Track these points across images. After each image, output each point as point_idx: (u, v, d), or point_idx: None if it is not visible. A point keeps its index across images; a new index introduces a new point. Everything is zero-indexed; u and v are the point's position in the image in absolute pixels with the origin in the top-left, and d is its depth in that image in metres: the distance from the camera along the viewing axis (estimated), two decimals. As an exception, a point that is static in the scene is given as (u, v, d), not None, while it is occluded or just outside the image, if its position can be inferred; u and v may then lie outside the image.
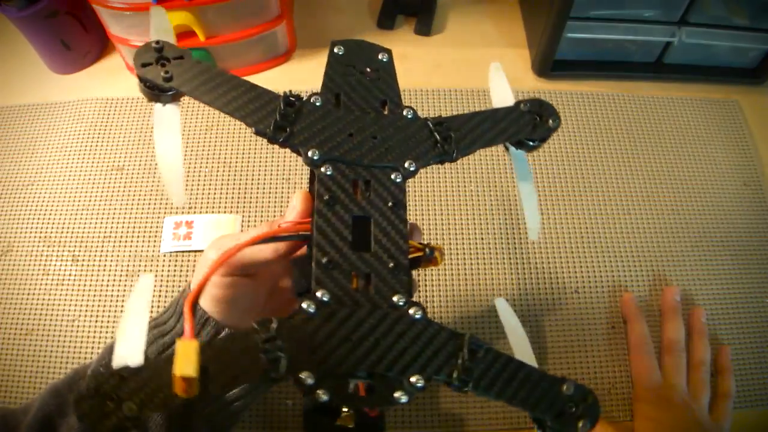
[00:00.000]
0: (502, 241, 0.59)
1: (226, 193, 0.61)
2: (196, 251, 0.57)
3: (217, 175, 0.62)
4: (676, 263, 0.59)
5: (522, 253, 0.58)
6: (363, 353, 0.28)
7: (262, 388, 0.40)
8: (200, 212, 0.59)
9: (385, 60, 0.36)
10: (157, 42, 0.32)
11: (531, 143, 0.36)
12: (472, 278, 0.57)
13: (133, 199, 0.60)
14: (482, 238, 0.59)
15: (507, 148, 0.37)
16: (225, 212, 0.59)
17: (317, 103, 0.33)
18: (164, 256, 0.57)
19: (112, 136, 0.64)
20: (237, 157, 0.63)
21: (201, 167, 0.62)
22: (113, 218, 0.59)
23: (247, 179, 0.61)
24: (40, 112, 0.66)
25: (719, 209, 0.62)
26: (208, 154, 0.63)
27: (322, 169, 0.31)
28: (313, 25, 0.73)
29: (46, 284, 0.56)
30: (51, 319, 0.54)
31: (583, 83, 0.69)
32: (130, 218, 0.59)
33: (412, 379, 0.27)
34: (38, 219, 0.59)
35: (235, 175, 0.62)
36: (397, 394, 0.27)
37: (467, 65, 0.70)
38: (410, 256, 0.31)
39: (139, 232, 0.58)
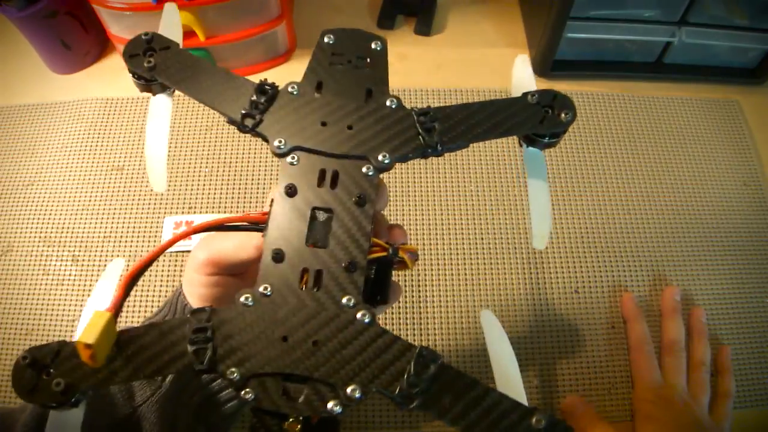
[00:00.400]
0: (502, 241, 0.59)
1: (226, 193, 0.61)
2: (196, 251, 0.57)
3: (217, 175, 0.62)
4: (676, 263, 0.59)
5: (522, 253, 0.58)
6: (298, 355, 0.26)
7: None
8: (200, 212, 0.59)
9: (378, 48, 0.33)
10: (146, 34, 0.32)
11: (544, 140, 0.32)
12: (471, 279, 0.57)
13: (133, 199, 0.60)
14: (482, 238, 0.59)
15: (521, 144, 0.34)
16: (225, 212, 0.59)
17: (293, 92, 0.31)
18: (164, 256, 0.57)
19: (112, 136, 0.64)
20: (237, 157, 0.63)
21: (201, 167, 0.62)
22: (113, 218, 0.59)
23: (247, 179, 0.61)
24: (40, 112, 0.66)
25: (719, 209, 0.62)
26: (208, 154, 0.63)
27: (288, 159, 0.30)
28: (313, 25, 0.73)
29: (46, 284, 0.56)
30: (51, 319, 0.54)
31: (583, 83, 0.69)
32: (130, 218, 0.59)
33: (348, 390, 0.25)
34: (38, 219, 0.59)
35: (235, 175, 0.62)
36: (330, 404, 0.25)
37: (467, 65, 0.70)
38: (372, 255, 0.29)
39: (139, 232, 0.58)
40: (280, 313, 0.27)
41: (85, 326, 0.24)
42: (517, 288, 0.57)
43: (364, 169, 0.30)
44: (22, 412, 0.37)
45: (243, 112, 0.30)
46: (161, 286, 0.56)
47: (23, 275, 0.57)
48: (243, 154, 0.63)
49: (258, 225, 0.31)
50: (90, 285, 0.56)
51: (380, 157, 0.30)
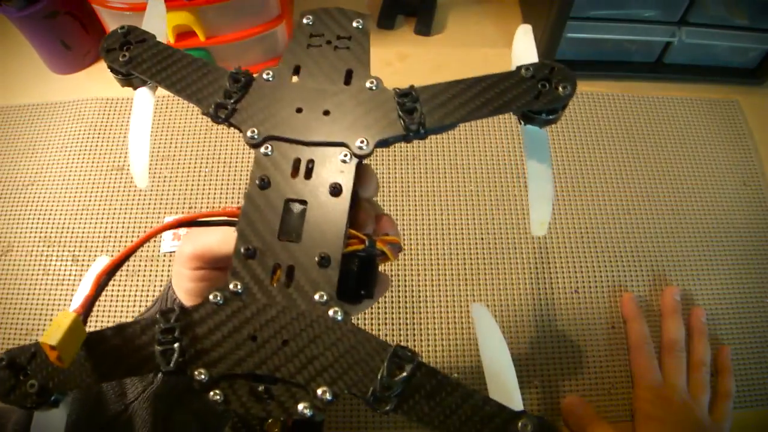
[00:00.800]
0: (502, 241, 0.59)
1: (226, 193, 0.61)
2: (196, 251, 0.57)
3: (217, 175, 0.62)
4: (676, 263, 0.59)
5: (522, 254, 0.58)
6: (266, 355, 0.25)
7: None
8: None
9: (360, 27, 0.31)
10: (123, 27, 0.32)
11: (541, 116, 0.29)
12: (471, 279, 0.57)
13: (133, 199, 0.60)
14: (482, 239, 0.59)
15: (521, 122, 0.31)
16: (225, 212, 0.59)
17: (268, 79, 0.30)
18: (164, 256, 0.57)
19: (112, 136, 0.64)
20: (237, 157, 0.63)
21: (201, 167, 0.62)
22: (113, 218, 0.59)
23: (247, 179, 0.61)
24: (40, 112, 0.66)
25: (719, 209, 0.62)
26: (208, 154, 0.63)
27: (261, 150, 0.28)
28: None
29: (46, 284, 0.56)
30: (51, 319, 0.54)
31: (583, 83, 0.69)
32: (130, 218, 0.59)
33: (319, 391, 0.24)
34: (38, 219, 0.59)
35: (235, 175, 0.62)
36: (300, 406, 0.24)
37: (467, 65, 0.70)
38: (349, 249, 0.28)
39: (139, 232, 0.58)
40: (249, 311, 0.26)
41: (49, 327, 0.24)
42: (517, 288, 0.57)
43: (341, 157, 0.28)
44: (14, 411, 0.37)
45: (216, 102, 0.29)
46: (161, 286, 0.56)
47: (23, 275, 0.57)
48: (243, 154, 0.63)
49: (231, 220, 0.30)
50: (90, 285, 0.56)
51: (358, 143, 0.28)
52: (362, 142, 0.28)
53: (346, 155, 0.28)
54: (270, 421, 0.27)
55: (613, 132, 0.66)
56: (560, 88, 0.28)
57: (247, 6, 0.61)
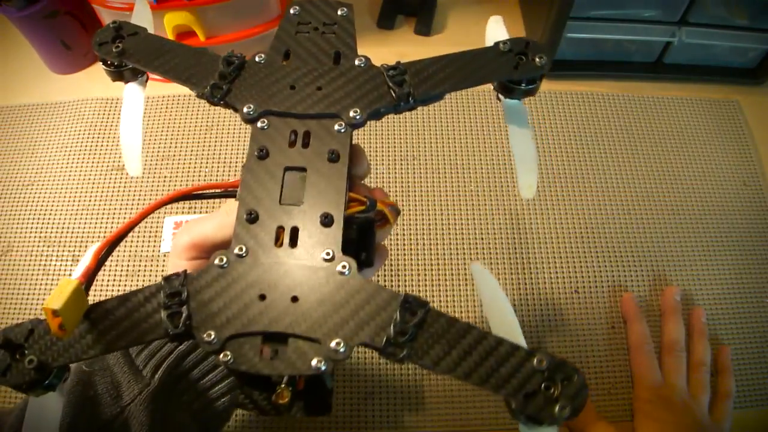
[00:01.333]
0: (502, 241, 0.59)
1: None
2: (196, 251, 0.57)
3: (217, 175, 0.62)
4: (676, 263, 0.59)
5: (522, 253, 0.58)
6: (277, 313, 0.25)
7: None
8: (200, 212, 0.59)
9: (344, 14, 0.33)
10: (115, 22, 0.33)
11: (521, 86, 0.31)
12: (471, 279, 0.57)
13: (133, 199, 0.60)
14: (482, 238, 0.59)
15: (499, 99, 0.33)
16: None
17: (260, 61, 0.31)
18: (164, 256, 0.57)
19: (112, 136, 0.64)
20: (237, 157, 0.63)
21: (201, 167, 0.62)
22: (113, 218, 0.59)
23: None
24: (40, 112, 0.66)
25: (719, 209, 0.62)
26: (208, 154, 0.63)
27: (258, 124, 0.30)
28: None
29: (46, 284, 0.56)
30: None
31: (583, 83, 0.69)
32: (130, 218, 0.59)
33: (332, 344, 0.24)
34: (38, 219, 0.59)
35: (235, 175, 0.62)
36: (314, 361, 0.24)
37: (467, 65, 0.70)
38: (350, 210, 0.28)
39: (139, 232, 0.58)
40: (256, 272, 0.26)
41: (52, 293, 0.24)
42: (517, 288, 0.57)
43: (336, 127, 0.29)
44: (9, 414, 0.37)
45: (212, 83, 0.30)
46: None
47: (23, 275, 0.57)
48: (243, 154, 0.63)
49: (231, 191, 0.31)
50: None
51: (351, 113, 0.29)
52: (355, 112, 0.29)
53: (340, 125, 0.29)
54: (278, 391, 0.27)
55: (613, 132, 0.66)
56: (537, 59, 0.31)
57: (247, 6, 0.62)
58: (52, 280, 0.56)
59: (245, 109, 0.30)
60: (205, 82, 0.31)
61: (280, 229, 0.27)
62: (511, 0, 0.76)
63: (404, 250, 0.58)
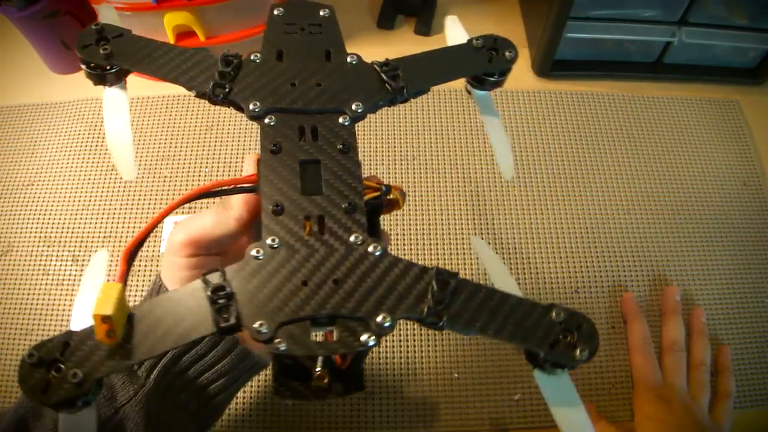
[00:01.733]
0: (502, 241, 0.59)
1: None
2: (196, 251, 0.57)
3: (217, 176, 0.62)
4: (676, 263, 0.59)
5: (522, 253, 0.58)
6: (322, 297, 0.26)
7: (243, 378, 0.40)
8: (200, 212, 0.59)
9: (327, 15, 0.35)
10: (97, 24, 0.33)
11: (491, 79, 0.35)
12: (472, 278, 0.57)
13: (133, 199, 0.60)
14: (482, 239, 0.59)
15: (470, 92, 0.36)
16: (225, 212, 0.59)
17: (256, 60, 0.32)
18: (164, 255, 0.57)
19: (112, 136, 0.64)
20: (237, 157, 0.63)
21: (201, 167, 0.62)
22: (113, 218, 0.59)
23: (247, 179, 0.61)
24: (40, 112, 0.66)
25: (719, 209, 0.62)
26: (208, 154, 0.63)
27: (266, 120, 0.30)
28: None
29: (46, 284, 0.56)
30: (51, 319, 0.54)
31: (583, 83, 0.69)
32: (130, 218, 0.59)
33: (378, 319, 0.25)
34: (38, 219, 0.59)
35: (235, 175, 0.62)
36: (363, 337, 0.25)
37: (467, 65, 0.70)
38: (368, 196, 0.30)
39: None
40: (294, 260, 0.27)
41: (97, 298, 0.23)
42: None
43: (340, 120, 0.31)
44: (2, 416, 0.36)
45: (213, 83, 0.31)
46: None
47: (23, 275, 0.57)
48: (243, 154, 0.63)
49: (250, 186, 0.32)
50: (90, 285, 0.56)
51: (354, 107, 0.31)
52: (357, 105, 0.31)
53: (345, 118, 0.31)
54: (316, 375, 0.28)
55: (613, 132, 0.66)
56: (506, 53, 0.35)
57: (247, 6, 0.62)
58: (52, 280, 0.56)
59: (251, 107, 0.30)
60: (205, 82, 0.31)
61: (306, 218, 0.28)
62: (511, 0, 0.76)
63: (404, 250, 0.58)
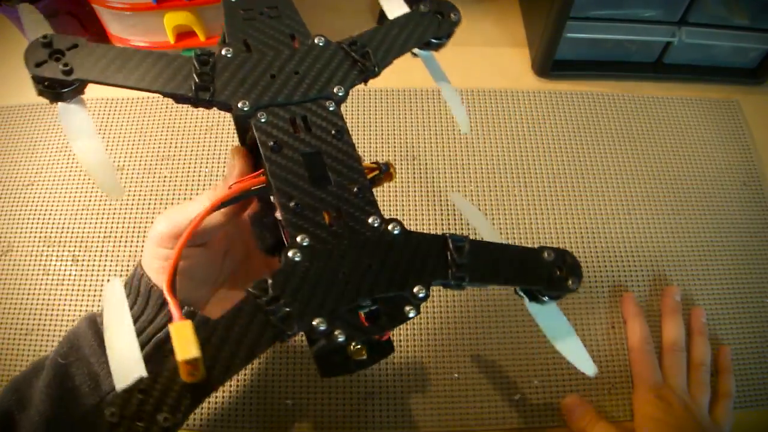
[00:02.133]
0: (501, 240, 0.59)
1: (226, 193, 0.61)
2: (196, 251, 0.57)
3: (217, 176, 0.62)
4: (676, 263, 0.59)
5: (522, 253, 0.58)
6: (361, 282, 0.28)
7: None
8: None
9: None
10: (45, 36, 0.31)
11: (436, 41, 0.37)
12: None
13: (133, 199, 0.60)
14: (482, 239, 0.59)
15: (415, 54, 0.37)
16: (225, 212, 0.59)
17: (229, 55, 0.32)
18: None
19: (112, 136, 0.64)
20: (237, 157, 0.63)
21: (201, 167, 0.62)
22: (113, 218, 0.59)
23: (247, 179, 0.61)
24: (40, 112, 0.66)
25: (719, 209, 0.62)
26: (208, 155, 0.63)
27: (258, 117, 0.30)
28: (313, 25, 0.72)
29: (46, 284, 0.56)
30: (51, 319, 0.54)
31: (583, 83, 0.69)
32: (130, 218, 0.59)
33: (415, 290, 0.28)
34: (38, 219, 0.59)
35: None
36: (407, 310, 0.28)
37: (467, 65, 0.70)
38: (371, 175, 0.32)
39: (139, 232, 0.58)
40: (326, 253, 0.28)
41: (175, 343, 0.23)
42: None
43: (327, 106, 0.31)
44: (36, 374, 0.35)
45: (194, 85, 0.30)
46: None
47: (23, 275, 0.57)
48: (243, 154, 0.63)
49: (257, 189, 0.32)
50: (90, 285, 0.56)
51: (336, 90, 0.32)
52: (338, 89, 0.32)
53: (330, 103, 0.32)
54: (354, 350, 0.29)
55: (613, 132, 0.66)
56: (452, 16, 0.37)
57: (247, 6, 0.61)
58: (52, 280, 0.56)
59: (240, 105, 0.30)
60: (182, 85, 0.30)
61: (325, 210, 0.29)
62: (511, 0, 0.76)
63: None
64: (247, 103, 0.30)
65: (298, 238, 0.28)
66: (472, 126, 0.65)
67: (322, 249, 0.28)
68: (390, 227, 0.29)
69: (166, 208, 0.60)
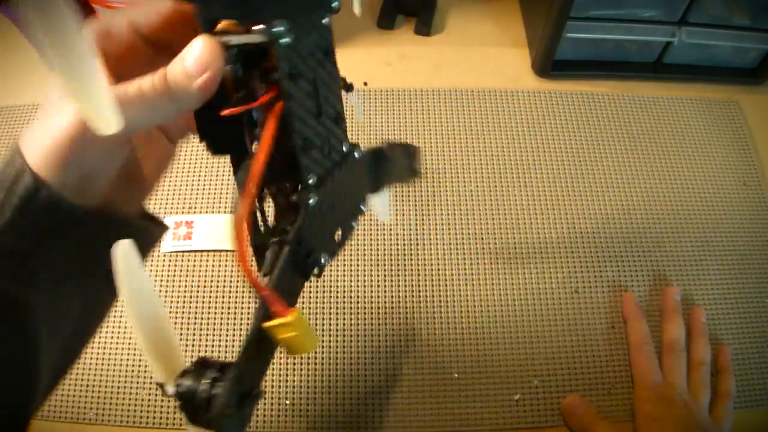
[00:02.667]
0: (501, 241, 0.59)
1: (226, 193, 0.61)
2: (196, 251, 0.57)
3: (217, 175, 0.62)
4: (676, 263, 0.59)
5: (522, 253, 0.58)
6: (349, 208, 0.33)
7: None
8: (200, 212, 0.59)
9: None
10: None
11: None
12: (471, 279, 0.57)
13: (133, 199, 0.60)
14: (482, 238, 0.59)
15: None
16: (225, 212, 0.59)
17: None
18: (164, 255, 0.57)
19: (112, 136, 0.64)
20: (237, 157, 0.63)
21: (201, 167, 0.62)
22: (113, 218, 0.59)
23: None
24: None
25: (719, 209, 0.62)
26: (208, 154, 0.62)
27: (284, 39, 0.25)
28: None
29: (46, 284, 0.56)
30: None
31: (583, 83, 0.69)
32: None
33: (356, 154, 0.32)
34: (38, 219, 0.59)
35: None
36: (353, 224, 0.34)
37: (467, 65, 0.70)
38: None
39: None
40: (329, 187, 0.30)
41: (302, 339, 0.27)
42: (516, 288, 0.57)
43: (324, 21, 0.27)
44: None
45: None
46: (161, 286, 0.56)
47: (23, 275, 0.57)
48: (243, 154, 0.63)
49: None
50: (90, 285, 0.56)
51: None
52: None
53: (327, 18, 0.28)
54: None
55: (613, 132, 0.66)
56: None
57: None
58: (52, 280, 0.56)
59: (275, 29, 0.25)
60: None
61: (322, 144, 0.30)
62: (511, 0, 0.76)
63: (404, 249, 0.58)
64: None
65: (311, 181, 0.29)
66: (473, 126, 0.65)
67: (324, 182, 0.30)
68: (356, 153, 0.32)
69: (166, 208, 0.60)
